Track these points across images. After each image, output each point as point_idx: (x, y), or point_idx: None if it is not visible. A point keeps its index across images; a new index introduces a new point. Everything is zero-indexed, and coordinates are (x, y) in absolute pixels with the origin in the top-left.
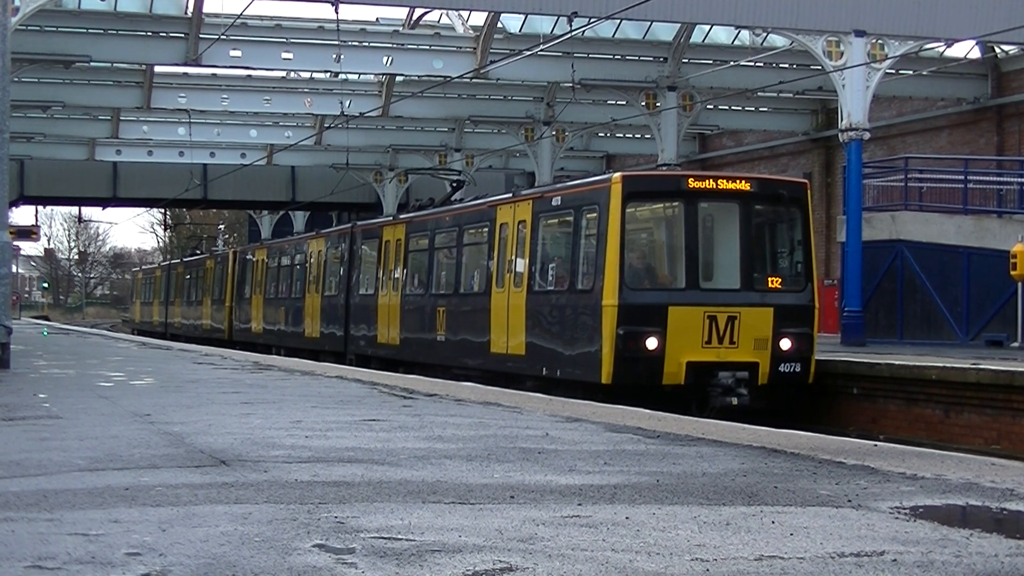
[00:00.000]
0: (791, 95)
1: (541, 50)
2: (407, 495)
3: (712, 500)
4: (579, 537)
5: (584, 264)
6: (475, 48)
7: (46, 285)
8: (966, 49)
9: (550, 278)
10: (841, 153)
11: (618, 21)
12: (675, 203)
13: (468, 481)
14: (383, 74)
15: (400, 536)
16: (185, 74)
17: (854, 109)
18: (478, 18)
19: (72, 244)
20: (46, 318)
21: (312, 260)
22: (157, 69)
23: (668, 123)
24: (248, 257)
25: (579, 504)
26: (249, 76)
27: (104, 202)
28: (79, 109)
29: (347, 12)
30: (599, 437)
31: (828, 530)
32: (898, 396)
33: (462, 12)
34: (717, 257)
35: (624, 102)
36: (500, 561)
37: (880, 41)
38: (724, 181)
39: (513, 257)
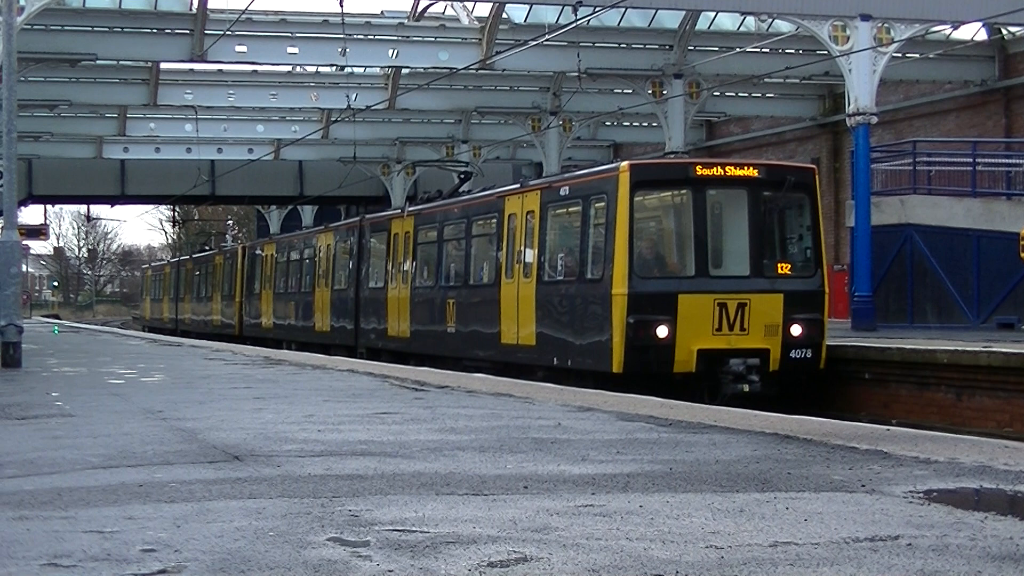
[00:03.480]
0: (797, 80)
1: (547, 40)
2: (420, 487)
3: (725, 487)
4: (593, 526)
5: (593, 253)
6: (480, 39)
7: (56, 284)
8: (972, 31)
9: (559, 268)
10: (849, 138)
11: (623, 9)
12: (683, 191)
13: (481, 472)
14: (389, 67)
15: (414, 528)
16: (191, 70)
17: (861, 93)
18: (483, 9)
19: (81, 242)
20: (57, 317)
21: (321, 254)
22: (163, 66)
23: (675, 111)
24: (257, 252)
25: (593, 493)
26: (255, 71)
27: (112, 200)
28: (86, 107)
29: (352, 5)
30: (611, 426)
31: (842, 515)
32: (910, 380)
33: (467, 3)
34: (726, 244)
35: (631, 90)
36: (515, 552)
37: (886, 25)
38: (732, 168)
39: (522, 248)
